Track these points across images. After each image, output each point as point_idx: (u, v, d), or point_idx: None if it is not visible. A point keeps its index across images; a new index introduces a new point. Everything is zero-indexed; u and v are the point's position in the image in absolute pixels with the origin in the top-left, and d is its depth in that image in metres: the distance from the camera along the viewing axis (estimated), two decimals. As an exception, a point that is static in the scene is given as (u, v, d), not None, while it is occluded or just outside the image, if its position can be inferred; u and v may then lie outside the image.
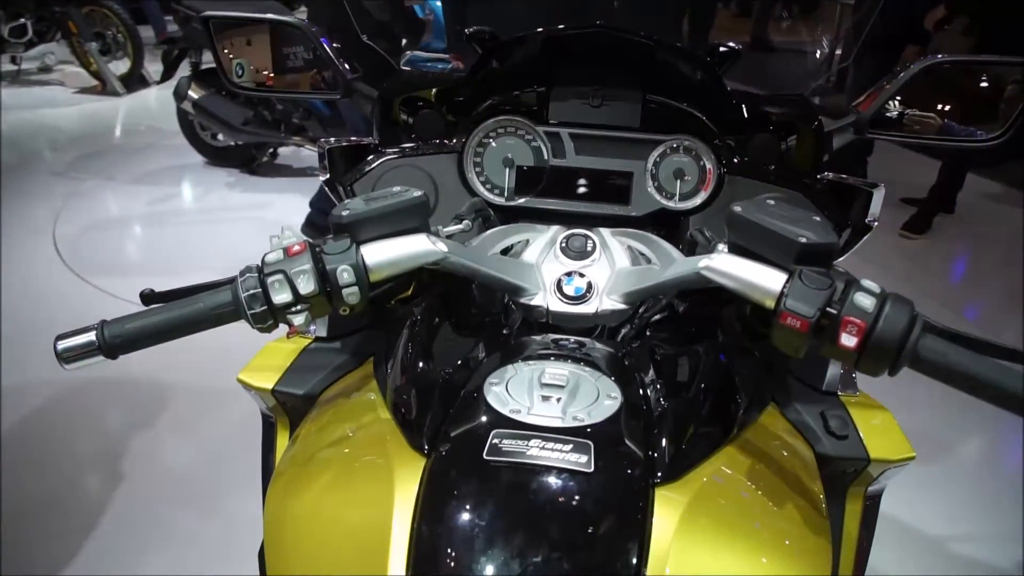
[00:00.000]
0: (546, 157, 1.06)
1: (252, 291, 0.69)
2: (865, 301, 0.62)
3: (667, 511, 0.63)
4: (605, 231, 0.98)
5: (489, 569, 0.58)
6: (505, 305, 0.99)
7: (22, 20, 6.72)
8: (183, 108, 4.43)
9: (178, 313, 0.72)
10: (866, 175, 5.03)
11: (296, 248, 0.71)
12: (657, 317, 0.98)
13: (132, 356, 0.73)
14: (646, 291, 0.84)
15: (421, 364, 0.82)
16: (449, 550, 0.60)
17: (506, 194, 1.07)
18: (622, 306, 0.86)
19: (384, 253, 0.73)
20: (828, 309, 0.62)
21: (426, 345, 0.85)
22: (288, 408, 0.95)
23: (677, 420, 0.72)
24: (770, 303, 0.65)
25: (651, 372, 0.79)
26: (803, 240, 0.65)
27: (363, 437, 0.77)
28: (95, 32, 6.64)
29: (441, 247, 0.76)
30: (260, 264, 0.71)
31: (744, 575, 0.63)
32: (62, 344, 0.70)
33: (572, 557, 0.59)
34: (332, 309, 0.72)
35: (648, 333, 0.96)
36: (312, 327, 0.98)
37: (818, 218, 0.69)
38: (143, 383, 2.71)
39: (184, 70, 4.75)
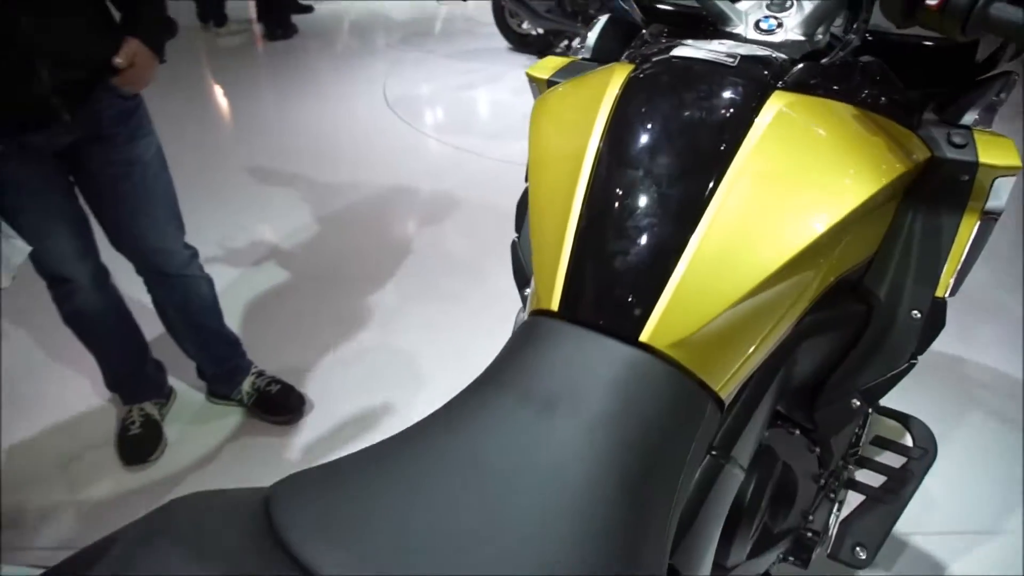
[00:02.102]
0: None
1: None
2: None
3: (778, 102, 0.94)
4: None
5: (657, 111, 0.95)
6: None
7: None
8: (497, -7, 5.08)
9: None
10: None
11: None
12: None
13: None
14: (814, 12, 1.13)
15: (646, 45, 1.20)
16: (636, 103, 0.98)
17: None
18: (802, 38, 1.17)
19: None
20: None
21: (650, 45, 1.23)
22: None
23: (818, 75, 1.01)
24: None
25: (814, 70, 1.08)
26: None
27: (599, 71, 1.18)
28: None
29: None
30: None
31: (811, 165, 0.90)
32: None
33: (706, 112, 0.94)
34: None
35: None
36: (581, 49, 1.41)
37: None
38: (439, 199, 3.42)
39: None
